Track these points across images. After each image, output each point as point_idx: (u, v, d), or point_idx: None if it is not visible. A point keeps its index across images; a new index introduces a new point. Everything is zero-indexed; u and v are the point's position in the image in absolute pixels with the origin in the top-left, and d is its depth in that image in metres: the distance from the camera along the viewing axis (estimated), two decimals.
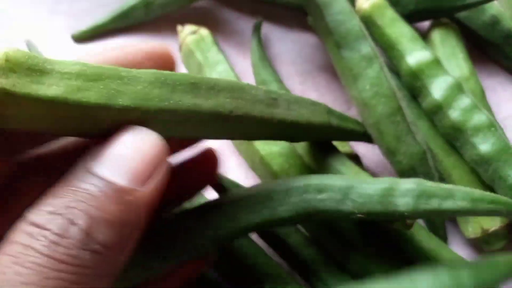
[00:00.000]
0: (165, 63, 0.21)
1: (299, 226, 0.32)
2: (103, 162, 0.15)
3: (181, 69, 0.39)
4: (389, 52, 0.35)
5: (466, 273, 0.27)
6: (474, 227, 0.33)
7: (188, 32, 0.38)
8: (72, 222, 0.14)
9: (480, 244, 0.33)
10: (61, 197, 0.15)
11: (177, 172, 0.20)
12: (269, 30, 0.42)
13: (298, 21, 0.42)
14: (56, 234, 0.14)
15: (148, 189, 0.15)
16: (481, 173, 0.32)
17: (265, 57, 0.39)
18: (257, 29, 0.40)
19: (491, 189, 0.32)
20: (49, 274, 0.13)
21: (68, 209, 0.14)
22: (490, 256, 0.30)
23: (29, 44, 0.40)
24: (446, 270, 0.27)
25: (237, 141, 0.36)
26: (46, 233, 0.14)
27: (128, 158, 0.15)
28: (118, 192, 0.15)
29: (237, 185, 0.31)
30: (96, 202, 0.14)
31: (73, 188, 0.15)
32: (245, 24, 0.42)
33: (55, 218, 0.14)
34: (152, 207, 0.16)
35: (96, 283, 0.14)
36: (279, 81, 0.38)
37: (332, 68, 0.39)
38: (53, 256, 0.13)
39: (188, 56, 0.38)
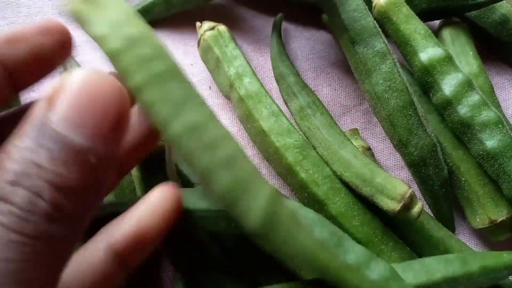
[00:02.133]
0: (61, 36, 0.19)
1: None
2: (56, 113, 0.13)
3: (199, 64, 0.41)
4: (402, 47, 0.36)
5: (474, 261, 0.28)
6: (482, 217, 0.34)
7: (206, 28, 0.40)
8: (38, 195, 0.13)
9: (487, 234, 0.34)
10: (18, 161, 0.13)
11: None
12: (284, 28, 0.43)
13: (312, 19, 0.43)
14: (23, 209, 0.13)
15: (109, 148, 0.14)
16: (487, 168, 0.33)
17: (283, 51, 0.40)
18: (277, 24, 0.41)
19: (496, 183, 0.33)
20: (21, 248, 0.13)
21: (29, 178, 0.13)
22: (495, 251, 0.31)
23: None
24: (456, 257, 0.29)
25: (252, 133, 0.37)
26: (12, 208, 0.13)
27: (83, 110, 0.13)
28: (76, 153, 0.13)
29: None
30: (56, 166, 0.13)
31: (29, 148, 0.13)
32: (261, 21, 0.44)
33: (18, 190, 0.13)
34: (115, 167, 0.15)
35: (61, 252, 0.14)
36: (297, 74, 0.39)
37: (344, 64, 0.41)
38: (22, 232, 0.13)
39: (206, 51, 0.39)
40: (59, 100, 0.13)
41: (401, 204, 0.30)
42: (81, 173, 0.13)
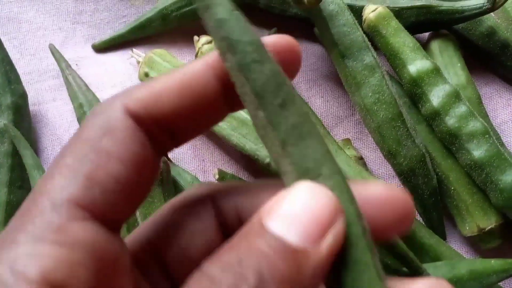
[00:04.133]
0: (289, 53, 0.18)
1: None
2: (276, 218, 0.15)
3: None
4: (391, 60, 0.37)
5: (463, 266, 0.29)
6: (471, 225, 0.35)
7: (204, 42, 0.41)
8: (243, 279, 0.14)
9: (477, 242, 0.35)
10: (235, 250, 0.14)
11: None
12: None
13: (305, 32, 0.44)
14: None
15: (321, 250, 0.15)
16: (475, 177, 0.34)
17: None
18: None
19: (484, 192, 0.34)
20: None
21: (240, 264, 0.14)
22: (484, 259, 0.32)
23: (52, 48, 0.42)
24: (444, 263, 0.30)
25: None
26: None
27: (301, 216, 0.15)
28: (290, 251, 0.14)
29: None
30: (267, 259, 0.14)
31: (247, 242, 0.15)
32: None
33: (227, 273, 0.14)
34: (326, 270, 0.15)
35: None
36: None
37: (336, 77, 0.42)
38: None
39: None
40: (281, 210, 0.15)
41: None
42: (289, 268, 0.14)
